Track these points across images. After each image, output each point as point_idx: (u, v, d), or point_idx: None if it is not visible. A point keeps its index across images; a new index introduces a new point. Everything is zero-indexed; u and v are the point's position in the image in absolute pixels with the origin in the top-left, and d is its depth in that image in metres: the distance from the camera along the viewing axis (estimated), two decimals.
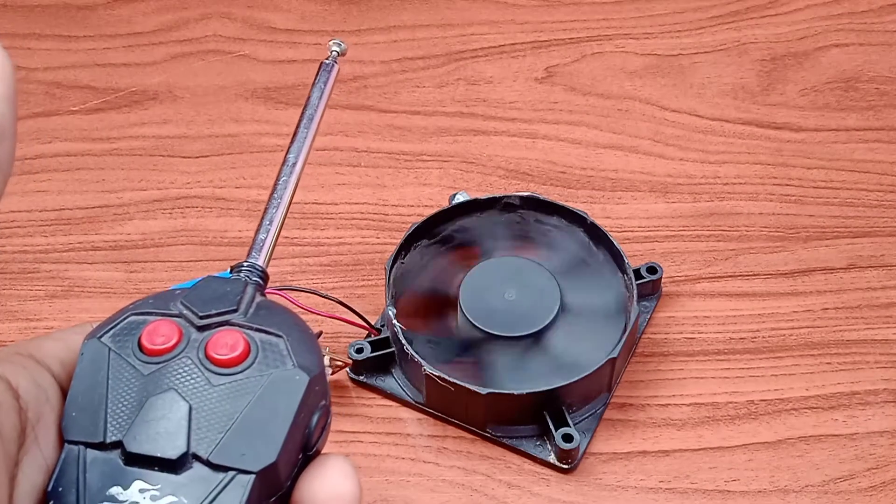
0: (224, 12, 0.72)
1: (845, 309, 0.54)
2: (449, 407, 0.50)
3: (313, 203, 0.60)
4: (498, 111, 0.65)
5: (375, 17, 0.72)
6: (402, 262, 0.54)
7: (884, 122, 0.64)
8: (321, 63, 0.35)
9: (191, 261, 0.57)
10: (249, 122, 0.65)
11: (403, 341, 0.49)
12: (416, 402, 0.51)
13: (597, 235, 0.54)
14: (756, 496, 0.47)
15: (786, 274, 0.56)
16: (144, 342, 0.27)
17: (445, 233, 0.56)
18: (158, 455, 0.25)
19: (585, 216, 0.54)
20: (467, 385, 0.47)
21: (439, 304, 0.53)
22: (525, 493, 0.48)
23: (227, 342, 0.26)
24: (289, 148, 0.33)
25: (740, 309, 0.55)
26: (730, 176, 0.61)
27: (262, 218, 0.32)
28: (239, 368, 0.26)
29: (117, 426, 0.25)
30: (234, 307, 0.28)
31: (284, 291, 0.51)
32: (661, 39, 0.69)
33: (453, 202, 0.56)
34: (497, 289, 0.51)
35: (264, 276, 0.30)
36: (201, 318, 0.27)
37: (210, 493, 0.24)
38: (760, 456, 0.49)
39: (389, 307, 0.51)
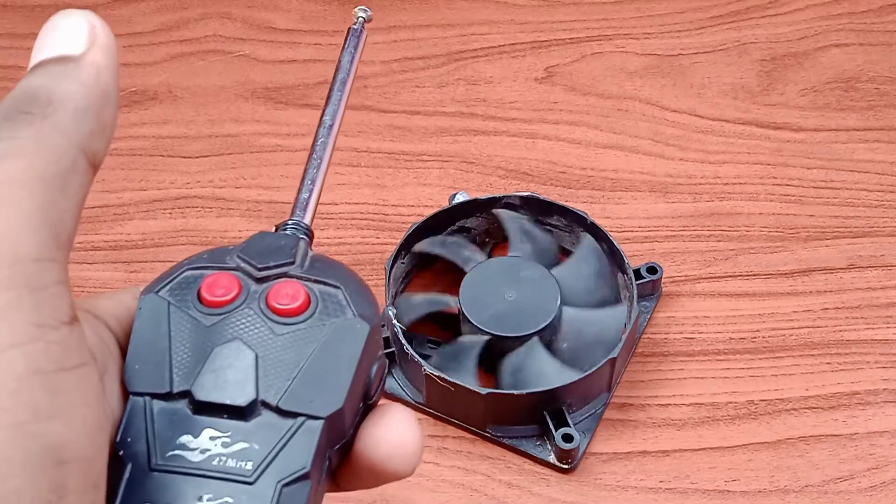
0: (224, 12, 0.72)
1: (845, 309, 0.54)
2: (449, 407, 0.50)
3: None
4: (498, 111, 0.65)
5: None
6: (403, 262, 0.54)
7: (884, 122, 0.64)
8: (349, 29, 0.36)
9: None
10: (249, 122, 0.65)
11: (403, 341, 0.49)
12: (416, 402, 0.51)
13: (597, 235, 0.54)
14: (756, 496, 0.47)
15: (786, 274, 0.56)
16: (204, 294, 0.27)
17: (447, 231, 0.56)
18: (228, 402, 0.25)
19: (585, 216, 0.54)
20: (467, 385, 0.47)
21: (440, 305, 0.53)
22: (525, 493, 0.48)
23: (287, 292, 0.27)
24: (324, 111, 0.34)
25: (740, 309, 0.55)
26: (730, 176, 0.61)
27: (304, 178, 0.32)
28: (301, 318, 0.26)
29: (183, 376, 0.25)
30: (291, 259, 0.28)
31: None
32: (661, 39, 0.69)
33: (453, 202, 0.56)
34: (497, 289, 0.51)
35: (310, 234, 0.31)
36: (260, 269, 0.27)
37: (281, 438, 0.25)
38: (760, 456, 0.49)
39: (389, 307, 0.51)
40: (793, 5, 0.71)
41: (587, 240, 0.54)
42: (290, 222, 0.31)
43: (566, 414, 0.48)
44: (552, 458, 0.48)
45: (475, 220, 0.56)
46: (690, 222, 0.59)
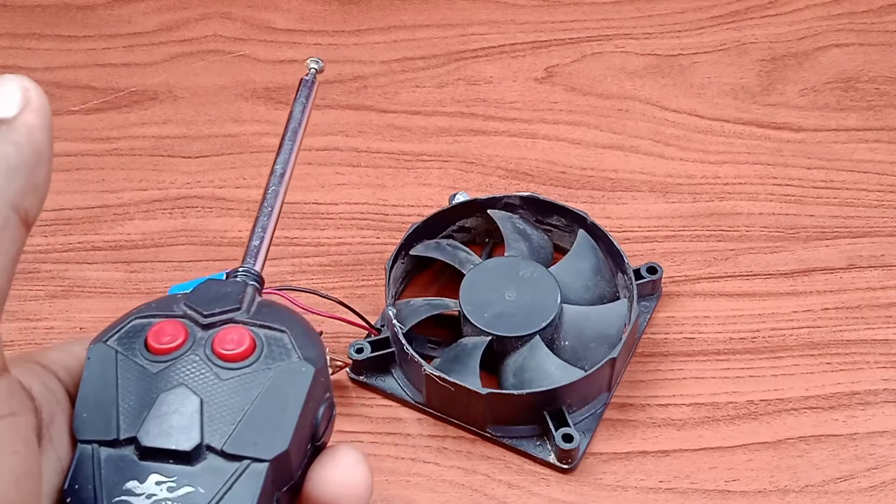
0: (224, 12, 0.72)
1: (845, 309, 0.54)
2: (449, 407, 0.50)
3: (313, 203, 0.60)
4: (498, 111, 0.65)
5: (375, 17, 0.72)
6: (403, 262, 0.54)
7: (884, 122, 0.64)
8: (301, 79, 0.37)
9: (191, 261, 0.57)
10: (249, 122, 0.65)
11: (403, 341, 0.49)
12: (416, 402, 0.51)
13: (597, 235, 0.54)
14: (756, 496, 0.47)
15: (786, 274, 0.56)
16: (151, 342, 0.27)
17: (446, 232, 0.56)
18: (173, 447, 0.25)
19: (585, 216, 0.54)
20: (467, 385, 0.47)
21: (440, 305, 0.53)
22: (525, 493, 0.48)
23: (233, 338, 0.27)
24: (275, 159, 0.35)
25: (740, 309, 0.55)
26: (730, 176, 0.61)
27: (255, 225, 0.33)
28: (246, 363, 0.27)
29: (129, 423, 0.26)
30: (237, 305, 0.28)
31: (284, 291, 0.51)
32: (661, 39, 0.69)
33: (453, 202, 0.56)
34: (497, 289, 0.51)
35: (260, 280, 0.31)
36: (206, 316, 0.28)
37: (226, 481, 0.25)
38: (760, 456, 0.49)
39: (389, 307, 0.51)
40: (793, 5, 0.71)
41: (582, 236, 0.54)
42: (240, 269, 0.31)
43: (566, 414, 0.48)
44: (552, 458, 0.48)
45: (475, 221, 0.56)
46: (690, 222, 0.59)
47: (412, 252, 0.54)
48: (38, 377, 0.26)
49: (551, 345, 0.50)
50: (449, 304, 0.52)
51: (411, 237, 0.54)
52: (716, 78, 0.67)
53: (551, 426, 0.48)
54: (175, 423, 0.25)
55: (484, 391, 0.47)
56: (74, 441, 0.26)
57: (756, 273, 0.56)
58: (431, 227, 0.55)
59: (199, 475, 0.25)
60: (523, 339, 0.50)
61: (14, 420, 0.23)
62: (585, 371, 0.48)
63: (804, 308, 0.55)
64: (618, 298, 0.53)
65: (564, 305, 0.51)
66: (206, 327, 0.28)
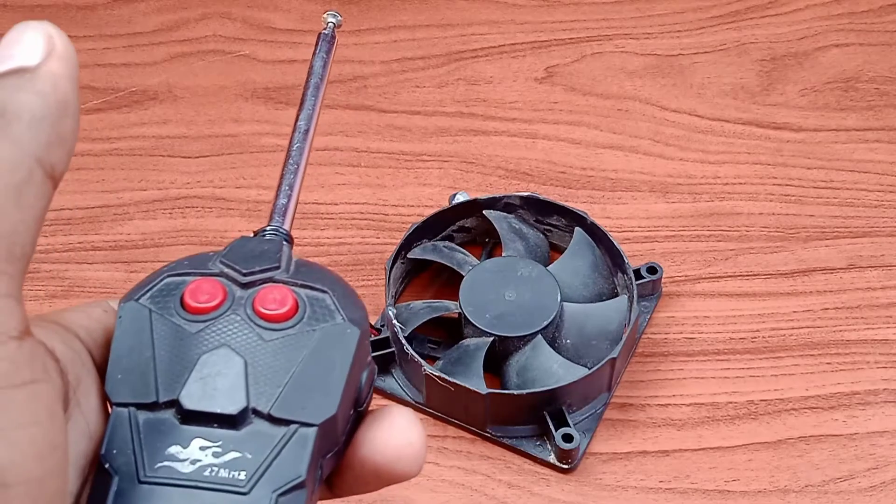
0: (224, 12, 0.72)
1: (845, 309, 0.54)
2: (449, 407, 0.50)
3: (313, 203, 0.60)
4: (498, 111, 0.65)
5: (375, 17, 0.72)
6: (402, 262, 0.54)
7: (884, 122, 0.64)
8: (319, 34, 0.36)
9: None
10: (249, 122, 0.65)
11: (403, 341, 0.49)
12: (416, 402, 0.51)
13: (597, 235, 0.54)
14: (756, 496, 0.47)
15: (786, 274, 0.56)
16: (188, 301, 0.26)
17: (446, 232, 0.56)
18: (218, 411, 0.24)
19: (585, 216, 0.54)
20: (467, 385, 0.47)
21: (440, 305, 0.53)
22: (525, 493, 0.48)
23: (275, 297, 0.26)
24: (298, 115, 0.33)
25: (740, 309, 0.55)
26: (730, 176, 0.61)
27: (280, 184, 0.31)
28: (289, 323, 0.26)
29: (169, 385, 0.25)
30: (276, 264, 0.27)
31: None
32: (661, 39, 0.69)
33: (453, 202, 0.56)
34: (496, 290, 0.51)
35: (290, 239, 0.30)
36: (245, 275, 0.27)
37: (274, 447, 0.24)
38: (760, 456, 0.49)
39: (389, 307, 0.51)
40: (793, 5, 0.71)
41: (579, 234, 0.54)
42: (268, 228, 0.30)
43: (566, 414, 0.48)
44: (552, 458, 0.48)
45: (475, 221, 0.56)
46: (690, 222, 0.59)
47: (410, 255, 0.54)
48: (61, 338, 0.25)
49: (553, 343, 0.50)
50: (449, 307, 0.52)
51: (411, 237, 0.54)
52: (716, 78, 0.67)
53: (551, 426, 0.48)
54: (219, 386, 0.24)
55: (484, 391, 0.47)
56: (104, 404, 0.25)
57: (756, 273, 0.56)
58: (431, 227, 0.55)
59: (246, 440, 0.24)
60: (525, 339, 0.50)
61: (36, 388, 0.22)
62: (588, 369, 0.48)
63: (804, 308, 0.55)
64: (616, 296, 0.53)
65: (565, 304, 0.51)
66: (245, 286, 0.26)
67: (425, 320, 0.51)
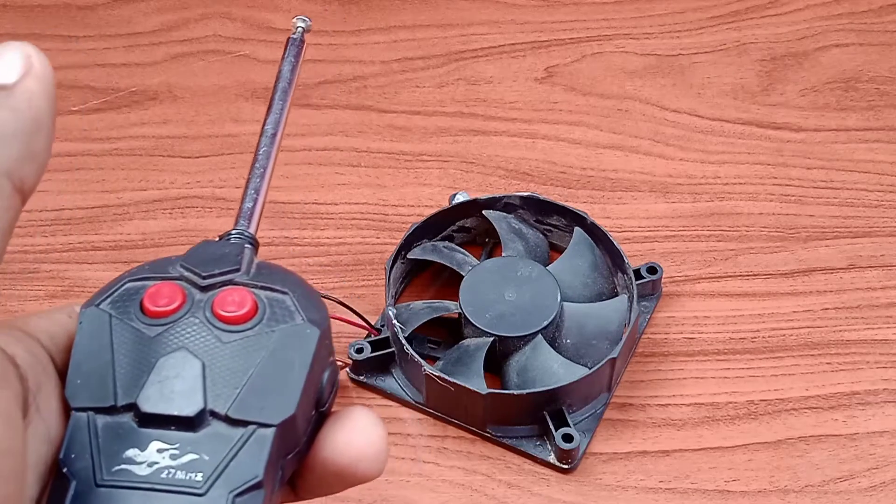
0: (224, 12, 0.72)
1: (845, 309, 0.54)
2: (449, 407, 0.50)
3: (313, 203, 0.60)
4: (498, 111, 0.65)
5: (375, 17, 0.72)
6: (402, 262, 0.54)
7: (884, 122, 0.64)
8: (288, 38, 0.37)
9: None
10: (249, 122, 0.65)
11: (403, 341, 0.49)
12: (416, 402, 0.51)
13: (597, 235, 0.54)
14: (756, 496, 0.47)
15: (786, 274, 0.56)
16: (147, 305, 0.26)
17: (446, 232, 0.56)
18: (175, 413, 0.24)
19: (585, 216, 0.54)
20: (467, 385, 0.47)
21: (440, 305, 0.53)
22: (525, 493, 0.48)
23: (234, 299, 0.26)
24: (265, 120, 0.34)
25: (740, 309, 0.55)
26: (730, 176, 0.61)
27: (247, 188, 0.31)
28: (248, 325, 0.26)
29: (127, 389, 0.25)
30: (237, 267, 0.27)
31: None
32: (661, 39, 0.69)
33: (453, 202, 0.56)
34: (496, 290, 0.51)
35: (255, 243, 0.30)
36: (204, 278, 0.27)
37: (232, 447, 0.24)
38: (760, 456, 0.49)
39: (389, 307, 0.51)
40: (793, 5, 0.71)
41: (579, 234, 0.54)
42: (234, 231, 0.30)
43: (566, 414, 0.48)
44: (552, 458, 0.48)
45: (475, 221, 0.56)
46: (690, 222, 0.59)
47: (409, 255, 0.54)
48: (22, 344, 0.25)
49: (553, 343, 0.50)
50: (449, 307, 0.52)
51: (411, 237, 0.54)
52: (716, 78, 0.67)
53: (551, 426, 0.48)
54: (176, 388, 0.24)
55: (484, 391, 0.47)
56: (64, 409, 0.25)
57: (756, 273, 0.56)
58: (431, 227, 0.55)
59: (203, 442, 0.24)
60: (525, 339, 0.50)
61: None
62: (588, 368, 0.48)
63: (804, 308, 0.55)
64: (616, 296, 0.53)
65: (565, 303, 0.51)
66: (204, 289, 0.27)
67: (425, 320, 0.51)
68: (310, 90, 0.67)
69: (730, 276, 0.56)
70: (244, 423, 0.24)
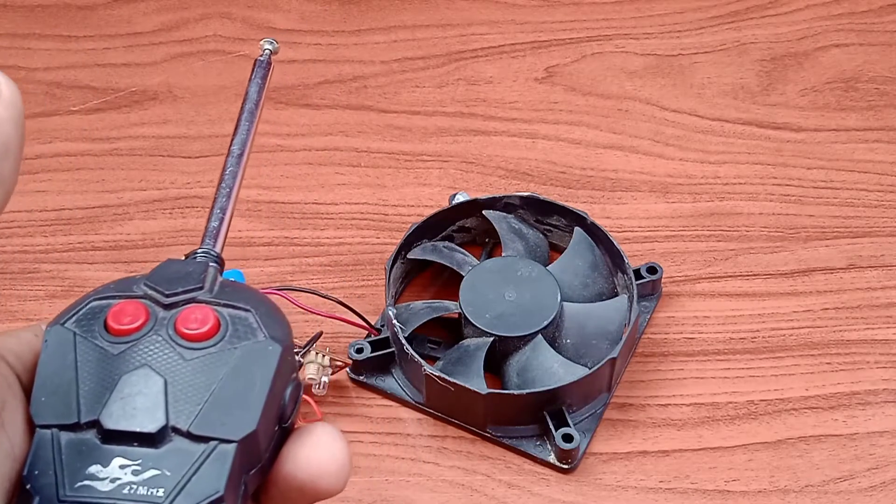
0: (224, 12, 0.72)
1: (845, 309, 0.54)
2: (449, 407, 0.50)
3: (313, 203, 0.60)
4: (498, 111, 0.65)
5: (375, 17, 0.72)
6: (402, 262, 0.54)
7: (884, 122, 0.64)
8: (255, 60, 0.37)
9: None
10: None
11: (403, 341, 0.49)
12: (416, 402, 0.51)
13: (597, 235, 0.54)
14: (756, 496, 0.47)
15: (786, 274, 0.56)
16: (111, 323, 0.26)
17: (445, 232, 0.56)
18: (137, 430, 0.25)
19: (585, 216, 0.54)
20: (467, 385, 0.47)
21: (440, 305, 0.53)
22: (525, 493, 0.48)
23: (196, 317, 0.27)
24: (232, 140, 0.34)
25: (740, 309, 0.55)
26: (730, 176, 0.61)
27: (213, 207, 0.32)
28: (211, 342, 0.26)
29: (90, 406, 0.25)
30: (200, 285, 0.28)
31: (284, 291, 0.51)
32: (661, 39, 0.69)
33: (453, 202, 0.56)
34: (496, 290, 0.51)
35: (220, 261, 0.31)
36: (167, 296, 0.27)
37: (193, 463, 0.24)
38: (760, 456, 0.49)
39: (389, 307, 0.51)
40: (793, 5, 0.71)
41: (579, 234, 0.54)
42: (199, 251, 0.31)
43: (566, 414, 0.48)
44: (552, 458, 0.48)
45: (475, 221, 0.56)
46: (690, 222, 0.59)
47: (409, 255, 0.54)
48: None
49: (553, 343, 0.50)
50: (449, 307, 0.52)
51: (411, 237, 0.54)
52: (716, 78, 0.67)
53: (551, 426, 0.48)
54: (139, 405, 0.25)
55: (484, 391, 0.47)
56: (30, 426, 0.25)
57: (756, 273, 0.56)
58: (431, 227, 0.55)
59: (165, 457, 0.24)
60: (525, 339, 0.50)
61: None
62: (588, 368, 0.48)
63: (804, 308, 0.55)
64: (616, 296, 0.53)
65: (565, 303, 0.51)
66: (168, 307, 0.27)
67: (425, 320, 0.51)
68: (310, 90, 0.67)
69: (730, 276, 0.56)
70: (206, 439, 0.25)
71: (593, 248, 0.54)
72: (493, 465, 0.49)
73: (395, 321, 0.50)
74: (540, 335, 0.50)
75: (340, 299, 0.51)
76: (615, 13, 0.71)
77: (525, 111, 0.65)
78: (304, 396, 0.49)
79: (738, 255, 0.57)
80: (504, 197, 0.56)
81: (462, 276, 0.52)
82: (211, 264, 0.30)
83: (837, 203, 0.59)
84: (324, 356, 0.50)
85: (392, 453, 0.49)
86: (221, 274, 0.30)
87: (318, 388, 0.49)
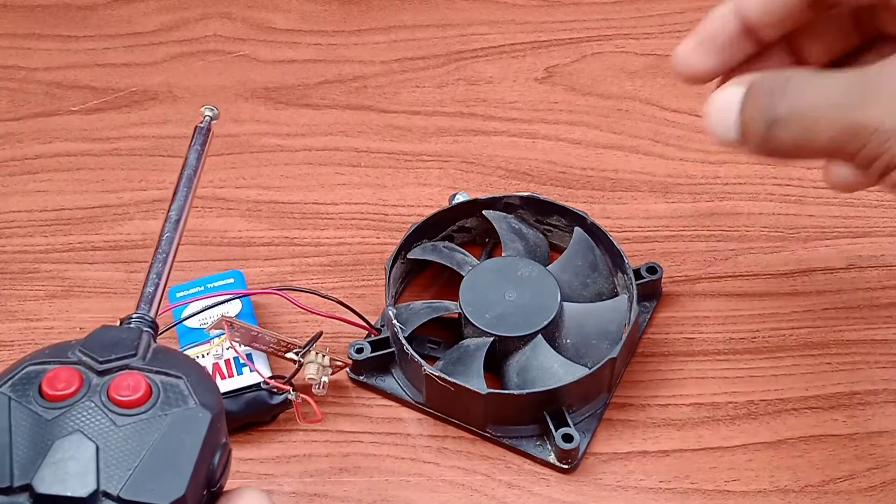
0: (224, 12, 0.72)
1: (845, 309, 0.54)
2: (449, 407, 0.50)
3: (313, 203, 0.60)
4: (498, 111, 0.65)
5: (375, 17, 0.72)
6: (402, 262, 0.54)
7: None
8: (196, 127, 0.38)
9: (191, 261, 0.57)
10: (249, 122, 0.65)
11: (403, 341, 0.49)
12: (416, 402, 0.51)
13: (597, 235, 0.54)
14: (756, 496, 0.47)
15: (786, 274, 0.56)
16: (46, 389, 0.27)
17: (445, 232, 0.56)
18: (69, 494, 0.25)
19: (585, 216, 0.54)
20: (467, 385, 0.47)
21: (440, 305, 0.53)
22: (525, 493, 0.48)
23: (128, 384, 0.27)
24: (170, 206, 0.35)
25: (740, 309, 0.55)
26: (730, 176, 0.61)
27: (149, 272, 0.33)
28: (142, 409, 0.27)
29: (23, 470, 0.26)
30: (133, 352, 0.29)
31: (284, 291, 0.51)
32: (661, 39, 0.69)
33: (453, 202, 0.56)
34: (496, 290, 0.51)
35: (154, 326, 0.32)
36: (101, 363, 0.28)
37: None
38: (760, 456, 0.49)
39: (389, 307, 0.51)
40: None
41: (579, 234, 0.54)
42: (134, 316, 0.32)
43: (566, 414, 0.48)
44: (552, 458, 0.48)
45: (475, 221, 0.56)
46: (690, 222, 0.59)
47: (409, 255, 0.54)
48: None
49: (553, 343, 0.50)
50: (449, 307, 0.52)
51: (411, 237, 0.54)
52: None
53: (551, 426, 0.48)
54: (71, 470, 0.26)
55: (484, 391, 0.47)
56: None
57: (756, 273, 0.56)
58: (431, 227, 0.55)
59: None
60: (525, 339, 0.50)
61: None
62: (588, 368, 0.48)
63: (804, 308, 0.54)
64: (616, 295, 0.53)
65: (564, 303, 0.51)
66: (101, 374, 0.28)
67: (425, 320, 0.51)
68: (310, 90, 0.67)
69: (730, 276, 0.56)
70: None
71: (593, 248, 0.54)
72: (493, 465, 0.49)
73: (395, 321, 0.50)
74: (540, 335, 0.50)
75: (340, 299, 0.51)
76: (615, 13, 0.71)
77: (525, 111, 0.65)
78: (304, 396, 0.49)
79: (738, 255, 0.57)
80: (504, 197, 0.56)
81: (462, 276, 0.52)
82: (145, 330, 0.31)
83: (837, 203, 0.59)
84: (324, 356, 0.50)
85: (392, 453, 0.49)
86: (155, 339, 0.31)
87: (318, 388, 0.49)
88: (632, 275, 0.51)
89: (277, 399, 0.49)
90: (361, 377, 0.52)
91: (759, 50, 0.40)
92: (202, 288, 0.53)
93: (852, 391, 0.51)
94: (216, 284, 0.53)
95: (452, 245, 0.55)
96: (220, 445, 0.28)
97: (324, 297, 0.51)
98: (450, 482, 0.48)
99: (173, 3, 0.73)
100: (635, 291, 0.51)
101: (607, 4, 0.72)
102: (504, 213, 0.56)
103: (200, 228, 0.59)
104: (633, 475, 0.48)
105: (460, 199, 0.56)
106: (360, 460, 0.49)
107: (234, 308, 0.52)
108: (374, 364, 0.51)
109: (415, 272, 0.56)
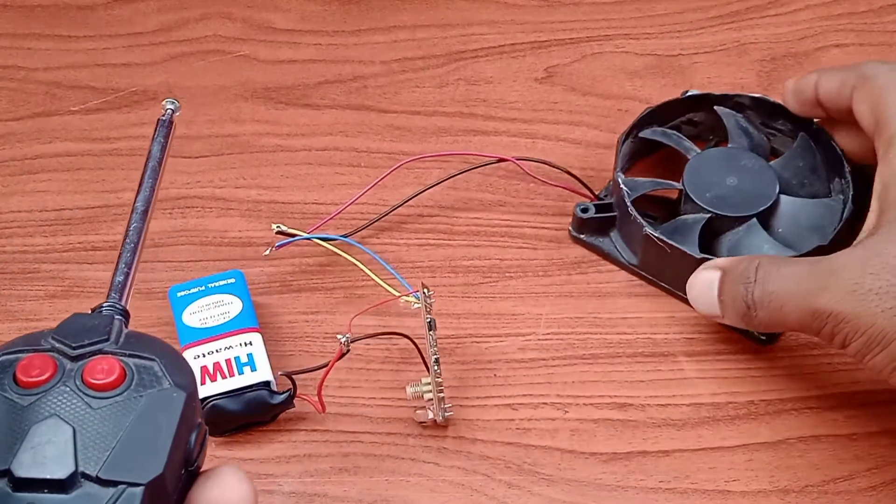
0: (224, 12, 0.72)
1: None
2: (660, 269, 0.53)
3: (313, 203, 0.60)
4: (498, 111, 0.65)
5: (375, 17, 0.72)
6: (633, 141, 0.57)
7: None
8: (158, 119, 0.38)
9: (191, 261, 0.57)
10: (249, 122, 0.65)
11: (628, 203, 0.52)
12: (629, 263, 0.55)
13: (819, 139, 0.56)
14: (756, 496, 0.47)
15: None
16: (20, 376, 0.28)
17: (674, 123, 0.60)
18: (48, 477, 0.26)
19: (811, 121, 0.56)
20: (683, 248, 0.50)
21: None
22: (525, 493, 0.48)
23: (102, 367, 0.28)
24: (136, 197, 0.36)
25: None
26: None
27: (119, 262, 0.34)
28: (117, 391, 0.28)
29: (2, 456, 0.26)
30: (105, 337, 0.29)
31: (516, 159, 0.58)
32: (661, 39, 0.69)
33: (685, 96, 0.59)
34: (719, 175, 0.54)
35: (126, 314, 0.32)
36: (74, 348, 0.29)
37: None
38: (760, 456, 0.49)
39: (618, 173, 0.54)
40: (793, 5, 0.71)
41: (803, 138, 0.56)
42: (105, 304, 0.32)
43: None
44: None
45: (703, 115, 0.59)
46: None
47: (641, 134, 0.57)
48: None
49: (766, 230, 0.53)
50: (672, 184, 0.55)
51: (643, 120, 0.57)
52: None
53: None
54: (49, 453, 0.26)
55: (698, 255, 0.50)
56: None
57: None
58: (662, 114, 0.58)
59: (76, 502, 0.26)
60: (741, 220, 0.52)
61: None
62: (798, 254, 0.50)
63: None
64: (831, 203, 0.55)
65: (782, 196, 0.53)
66: (75, 359, 0.29)
67: (650, 191, 0.55)
68: (310, 90, 0.67)
69: None
70: (114, 483, 0.26)
71: (815, 153, 0.56)
72: (493, 465, 0.49)
73: (622, 185, 0.53)
74: (755, 219, 0.52)
75: (568, 168, 0.57)
76: (615, 13, 0.71)
77: (525, 111, 0.65)
78: (304, 395, 0.49)
79: None
80: (735, 95, 0.58)
81: (686, 162, 0.55)
82: (116, 317, 0.31)
83: None
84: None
85: (392, 453, 0.49)
86: (126, 326, 0.31)
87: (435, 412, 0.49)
88: (850, 179, 0.53)
89: (277, 399, 0.49)
90: (582, 235, 0.56)
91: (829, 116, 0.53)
92: (202, 288, 0.53)
93: (852, 391, 0.51)
94: (216, 284, 0.53)
95: (681, 135, 0.58)
96: (195, 425, 0.29)
97: (553, 166, 0.58)
98: (450, 482, 0.48)
99: (173, 3, 0.73)
100: (850, 194, 0.53)
101: (607, 4, 0.72)
102: (732, 111, 0.58)
103: (200, 228, 0.59)
104: (633, 475, 0.48)
105: (692, 93, 0.59)
106: (360, 460, 0.49)
107: (234, 308, 0.52)
108: (596, 225, 0.56)
109: (641, 154, 0.59)
